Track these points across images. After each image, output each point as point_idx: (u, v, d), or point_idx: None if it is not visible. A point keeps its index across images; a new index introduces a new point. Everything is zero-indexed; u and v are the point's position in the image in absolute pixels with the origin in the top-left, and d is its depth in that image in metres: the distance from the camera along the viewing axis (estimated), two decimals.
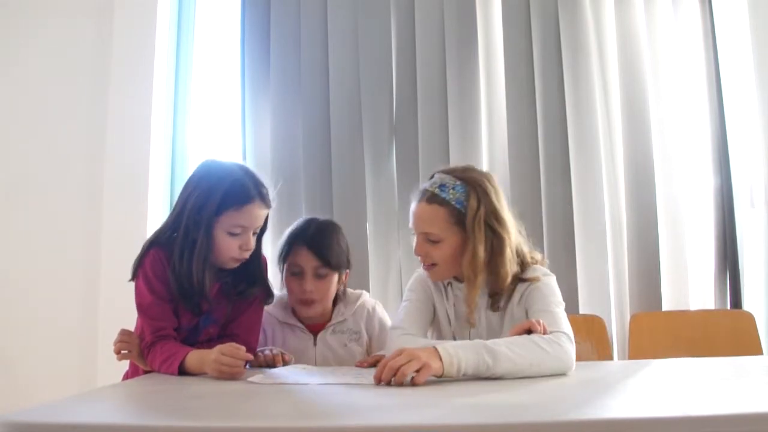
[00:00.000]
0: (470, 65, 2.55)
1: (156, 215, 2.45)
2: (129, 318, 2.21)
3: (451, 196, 1.54)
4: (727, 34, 2.61)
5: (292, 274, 1.72)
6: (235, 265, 1.55)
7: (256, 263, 1.61)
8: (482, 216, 1.53)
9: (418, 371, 1.25)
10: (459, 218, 1.54)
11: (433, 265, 1.59)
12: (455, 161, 2.49)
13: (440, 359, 1.28)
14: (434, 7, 2.58)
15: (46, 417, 0.96)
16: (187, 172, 2.64)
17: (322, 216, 1.87)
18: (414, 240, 1.64)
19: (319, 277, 1.71)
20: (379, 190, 2.53)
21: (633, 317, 2.35)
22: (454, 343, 1.36)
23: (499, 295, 1.60)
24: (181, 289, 1.49)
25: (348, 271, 1.81)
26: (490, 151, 2.55)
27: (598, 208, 2.48)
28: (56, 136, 2.46)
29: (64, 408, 1.04)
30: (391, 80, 2.57)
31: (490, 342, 1.36)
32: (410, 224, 1.62)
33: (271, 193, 1.57)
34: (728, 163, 2.59)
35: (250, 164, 2.49)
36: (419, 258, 1.61)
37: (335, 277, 1.74)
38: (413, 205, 1.60)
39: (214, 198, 1.48)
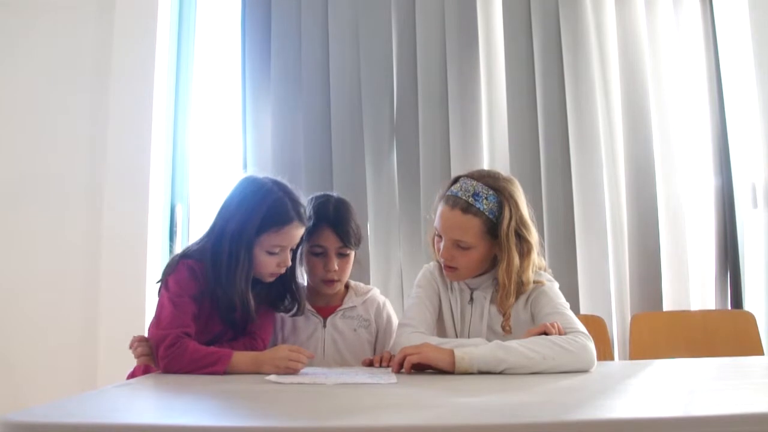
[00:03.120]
0: (471, 65, 2.55)
1: (156, 215, 2.45)
2: (129, 317, 2.21)
3: (485, 207, 1.56)
4: (727, 33, 2.61)
5: (315, 254, 1.73)
6: (272, 279, 1.63)
7: (288, 276, 1.67)
8: (513, 227, 1.57)
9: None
10: (491, 228, 1.57)
11: (455, 268, 1.62)
12: (456, 161, 2.49)
13: (452, 354, 1.39)
14: (435, 7, 2.57)
15: (46, 417, 0.96)
16: (187, 172, 2.64)
17: (331, 192, 1.86)
18: (430, 234, 1.69)
19: (341, 256, 1.74)
20: (380, 189, 2.52)
21: (634, 317, 2.35)
22: (465, 340, 1.48)
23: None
24: (220, 303, 1.55)
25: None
26: (491, 151, 2.55)
27: (599, 208, 2.48)
28: (56, 136, 2.46)
29: (64, 408, 1.04)
30: (392, 80, 2.57)
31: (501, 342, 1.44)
32: (437, 226, 1.63)
33: (308, 210, 1.64)
34: (729, 163, 2.60)
35: (250, 165, 2.50)
36: (443, 260, 1.63)
37: (353, 254, 1.77)
38: (445, 210, 1.60)
39: (254, 220, 1.55)
